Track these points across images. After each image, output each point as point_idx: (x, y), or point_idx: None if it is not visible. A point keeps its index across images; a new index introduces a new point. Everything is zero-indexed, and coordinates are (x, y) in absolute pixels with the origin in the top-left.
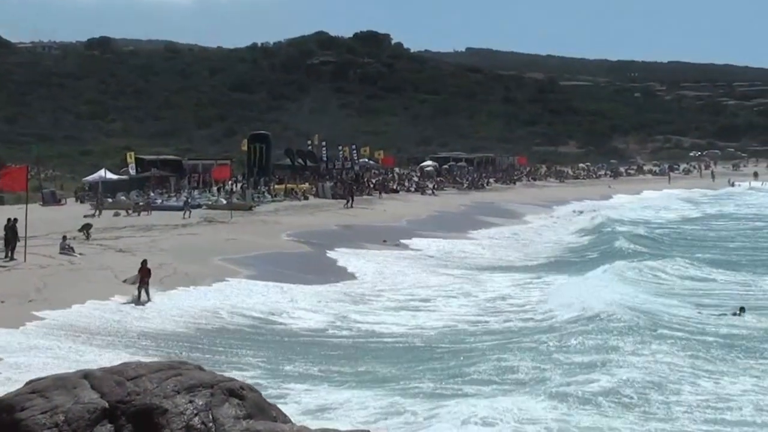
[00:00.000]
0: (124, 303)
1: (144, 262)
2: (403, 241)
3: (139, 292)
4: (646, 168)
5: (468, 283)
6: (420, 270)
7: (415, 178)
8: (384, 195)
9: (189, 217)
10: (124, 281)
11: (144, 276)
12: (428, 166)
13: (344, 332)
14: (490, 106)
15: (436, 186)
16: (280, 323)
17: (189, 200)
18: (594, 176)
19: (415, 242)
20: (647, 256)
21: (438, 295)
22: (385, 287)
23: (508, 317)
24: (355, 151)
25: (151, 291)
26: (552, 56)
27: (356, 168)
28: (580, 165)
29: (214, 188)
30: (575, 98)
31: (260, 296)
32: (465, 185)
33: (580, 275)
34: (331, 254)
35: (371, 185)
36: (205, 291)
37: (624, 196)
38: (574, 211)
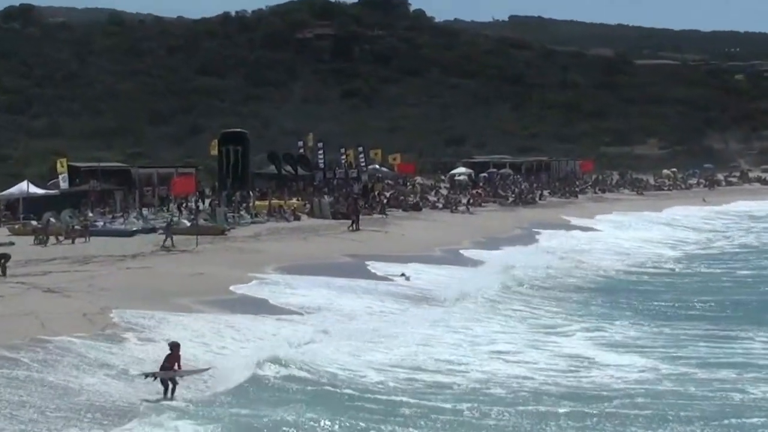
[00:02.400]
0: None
1: (174, 348)
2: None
3: (166, 387)
4: (752, 174)
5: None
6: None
7: (444, 191)
8: (401, 213)
9: (172, 245)
10: (146, 376)
11: (173, 364)
12: (461, 174)
13: None
14: (542, 94)
15: (471, 201)
16: None
17: (171, 222)
18: (682, 186)
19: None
20: None
21: None
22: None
23: None
24: (362, 156)
25: (98, 343)
26: (624, 26)
27: (364, 177)
28: (664, 171)
29: (174, 206)
30: (656, 82)
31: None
32: (510, 199)
33: None
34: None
35: (384, 200)
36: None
37: None
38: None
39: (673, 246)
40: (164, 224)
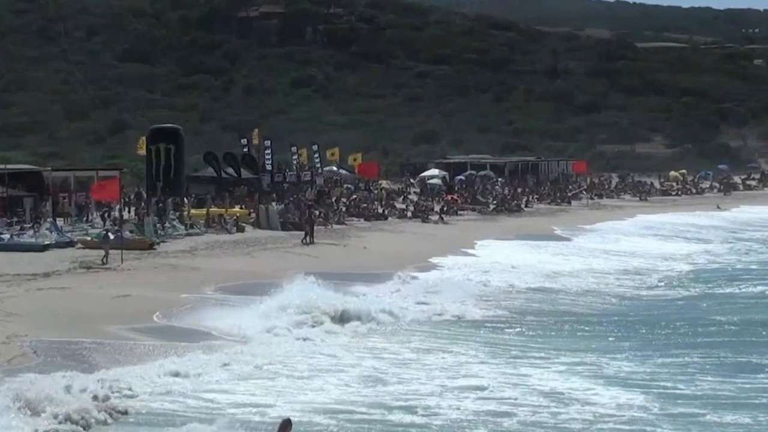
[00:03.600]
0: None
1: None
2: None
3: None
4: None
5: None
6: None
7: (413, 197)
8: (363, 223)
9: (105, 261)
10: None
11: None
12: (433, 177)
13: None
14: (528, 83)
15: (446, 208)
16: None
17: (108, 234)
18: (693, 190)
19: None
20: None
21: None
22: None
23: None
24: (317, 155)
25: None
26: (624, 3)
27: (319, 181)
28: (672, 174)
29: (95, 215)
30: (661, 69)
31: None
32: (491, 207)
33: None
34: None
35: (343, 208)
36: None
37: None
38: None
39: (674, 259)
40: (102, 236)
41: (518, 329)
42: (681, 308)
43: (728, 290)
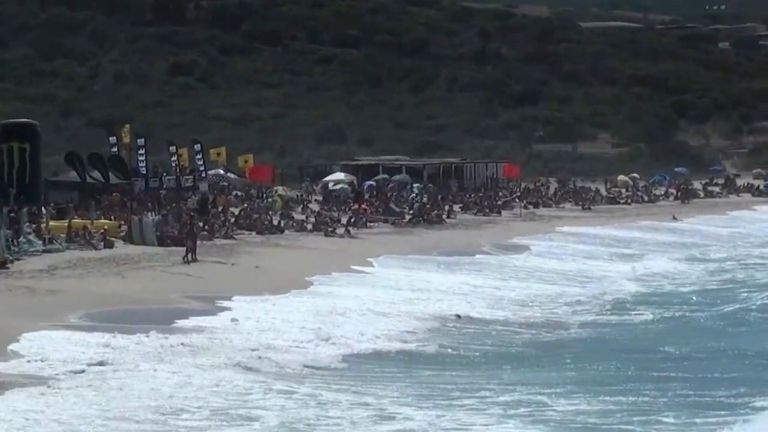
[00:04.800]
0: None
1: None
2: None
3: None
4: (740, 182)
5: None
6: None
7: (315, 206)
8: (256, 237)
9: None
10: None
11: None
12: (338, 182)
13: None
14: (452, 70)
15: (354, 219)
16: None
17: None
18: (645, 198)
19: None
20: None
21: None
22: None
23: None
24: (200, 156)
25: None
26: None
27: (203, 187)
28: (620, 178)
29: None
30: (610, 53)
31: None
32: (407, 218)
33: None
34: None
35: (232, 219)
36: None
37: None
38: None
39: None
40: None
41: (440, 366)
42: (630, 336)
43: (680, 314)
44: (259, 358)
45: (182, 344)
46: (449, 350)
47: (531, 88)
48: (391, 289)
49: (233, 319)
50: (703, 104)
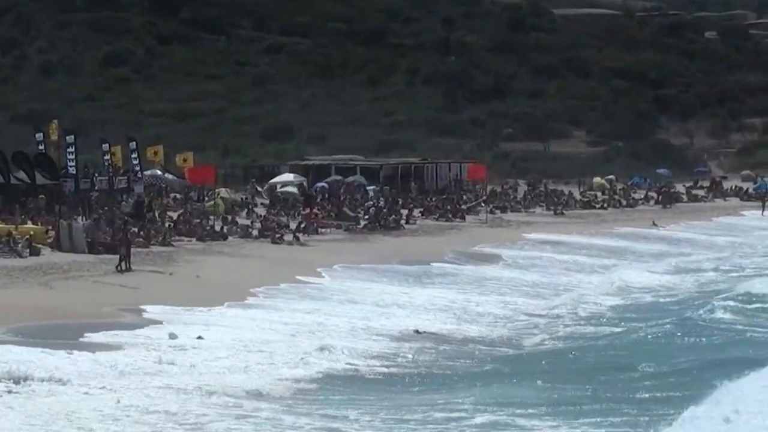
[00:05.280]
0: None
1: None
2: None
3: None
4: (727, 184)
5: None
6: None
7: (261, 210)
8: (196, 244)
9: None
10: None
11: None
12: (287, 184)
13: None
14: (412, 61)
15: (303, 225)
16: None
17: None
18: (623, 202)
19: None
20: None
21: None
22: None
23: None
24: (135, 155)
25: None
26: None
27: (138, 189)
28: (596, 181)
29: None
30: (584, 44)
31: None
32: (362, 223)
33: None
34: None
35: (170, 224)
36: None
37: None
38: None
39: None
40: None
41: (404, 387)
42: (606, 353)
43: (659, 329)
44: (201, 379)
45: (114, 362)
46: (412, 370)
47: (499, 81)
48: (346, 303)
49: (171, 335)
50: (687, 99)
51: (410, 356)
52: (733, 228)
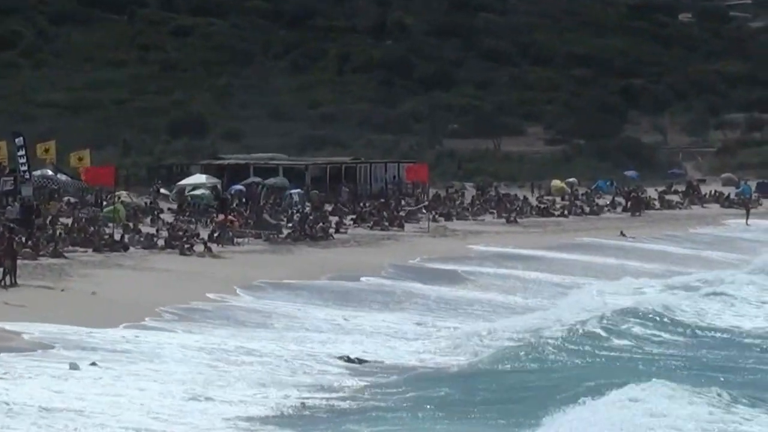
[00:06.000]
0: None
1: None
2: None
3: None
4: (705, 189)
5: None
6: None
7: (168, 217)
8: (93, 255)
9: None
10: None
11: None
12: (198, 187)
13: None
14: (343, 46)
15: (217, 234)
16: None
17: None
18: (587, 209)
19: None
20: None
21: None
22: None
23: None
24: (22, 152)
25: None
26: None
27: (26, 192)
28: (555, 184)
29: None
30: (542, 26)
31: None
32: (285, 232)
33: None
34: None
35: (61, 233)
36: None
37: None
38: None
39: None
40: None
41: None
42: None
43: (626, 357)
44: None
45: None
46: (344, 404)
47: (442, 69)
48: (266, 326)
49: (72, 365)
50: (660, 91)
51: (342, 388)
52: (718, 240)
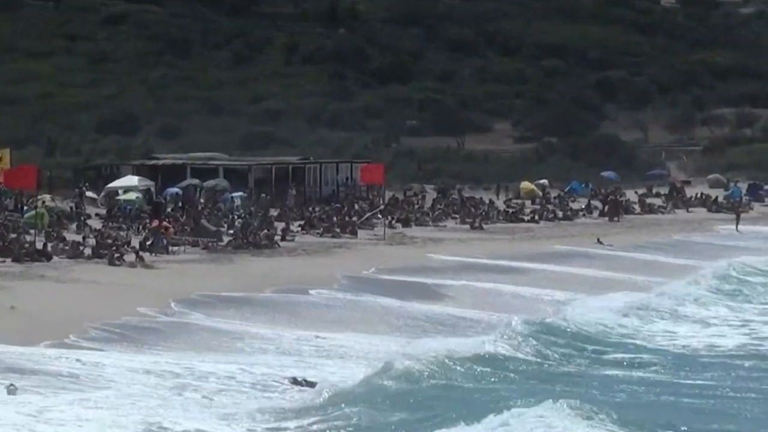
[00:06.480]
0: None
1: None
2: None
3: None
4: (690, 192)
5: None
6: None
7: (96, 222)
8: (10, 265)
9: None
10: None
11: None
12: (130, 189)
13: None
14: (291, 34)
15: (150, 241)
16: None
17: None
18: (560, 214)
19: None
20: None
21: None
22: None
23: None
24: None
25: None
26: None
27: None
28: (524, 186)
29: None
30: (509, 14)
31: None
32: (226, 239)
33: None
34: None
35: None
36: None
37: None
38: None
39: None
40: None
41: None
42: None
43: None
44: None
45: None
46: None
47: (400, 60)
48: (206, 350)
49: (9, 389)
50: (640, 84)
51: (288, 411)
52: (706, 248)
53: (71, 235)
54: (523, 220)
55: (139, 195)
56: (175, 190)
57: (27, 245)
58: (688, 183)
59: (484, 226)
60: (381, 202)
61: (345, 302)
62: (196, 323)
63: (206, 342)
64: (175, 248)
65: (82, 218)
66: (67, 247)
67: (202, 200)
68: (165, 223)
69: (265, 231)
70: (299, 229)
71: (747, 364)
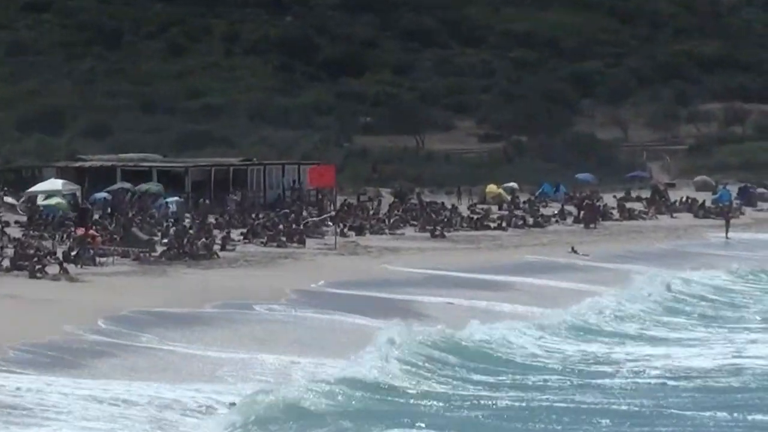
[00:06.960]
0: None
1: None
2: None
3: None
4: (675, 195)
5: None
6: None
7: (15, 231)
8: None
9: None
10: None
11: None
12: (53, 194)
13: None
14: (233, 21)
15: (76, 252)
16: None
17: None
18: (530, 220)
19: None
20: None
21: None
22: None
23: None
24: None
25: None
26: None
27: None
28: (491, 189)
29: None
30: (475, 1)
31: None
32: (159, 249)
33: None
34: None
35: None
36: None
37: None
38: None
39: None
40: None
41: None
42: None
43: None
44: None
45: None
46: None
47: (352, 51)
48: (139, 377)
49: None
50: (619, 77)
51: None
52: (695, 257)
53: None
54: (489, 228)
55: (64, 200)
56: (103, 195)
57: None
58: (672, 186)
59: (446, 234)
60: (332, 207)
61: (294, 318)
62: (127, 345)
63: (143, 364)
64: (104, 259)
65: (0, 225)
66: None
67: (133, 206)
68: (92, 232)
69: (203, 240)
70: (241, 237)
71: None
